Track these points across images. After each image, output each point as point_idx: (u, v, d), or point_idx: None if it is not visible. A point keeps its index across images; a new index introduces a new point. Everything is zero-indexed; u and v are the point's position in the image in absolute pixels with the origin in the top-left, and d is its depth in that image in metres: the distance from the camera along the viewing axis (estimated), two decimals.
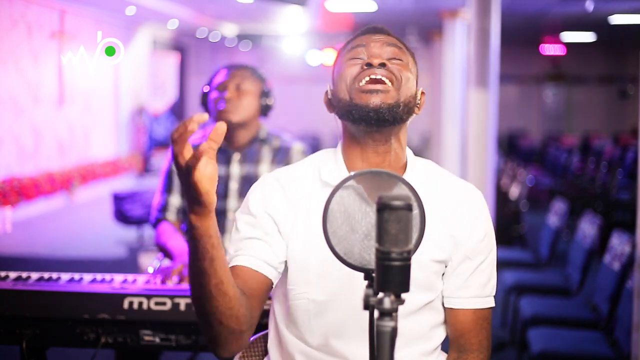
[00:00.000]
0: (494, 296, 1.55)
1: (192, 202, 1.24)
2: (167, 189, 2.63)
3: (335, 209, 1.16)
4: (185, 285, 2.07)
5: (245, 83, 2.59)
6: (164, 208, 2.62)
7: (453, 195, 1.52)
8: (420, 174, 1.52)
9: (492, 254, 1.53)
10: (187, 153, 1.20)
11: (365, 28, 1.57)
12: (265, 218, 1.48)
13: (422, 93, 1.54)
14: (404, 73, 1.49)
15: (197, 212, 1.25)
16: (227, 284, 1.33)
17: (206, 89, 2.67)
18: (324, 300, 1.46)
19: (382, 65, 1.46)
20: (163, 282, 2.13)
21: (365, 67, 1.47)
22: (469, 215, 1.51)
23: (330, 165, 1.52)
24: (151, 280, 2.14)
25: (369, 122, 1.44)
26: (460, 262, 1.50)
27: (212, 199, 1.24)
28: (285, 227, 1.48)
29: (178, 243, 2.44)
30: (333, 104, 1.52)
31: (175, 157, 1.21)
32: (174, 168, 2.61)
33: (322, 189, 1.49)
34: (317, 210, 1.44)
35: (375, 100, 1.43)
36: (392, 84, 1.46)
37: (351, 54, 1.51)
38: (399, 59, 1.50)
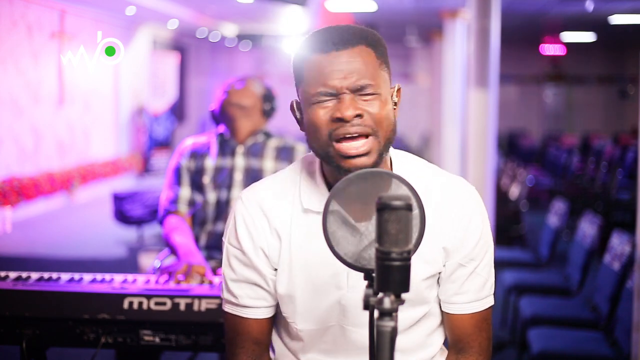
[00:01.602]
0: (494, 294, 1.51)
1: None
2: (177, 182, 2.70)
3: (335, 210, 1.16)
4: (187, 286, 2.07)
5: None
6: (175, 200, 2.68)
7: (443, 201, 1.42)
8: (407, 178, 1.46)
9: (487, 255, 1.47)
10: None
11: (325, 40, 1.34)
12: (255, 255, 1.43)
13: (399, 90, 1.41)
14: (381, 109, 1.33)
15: None
16: None
17: (212, 107, 2.80)
18: (315, 329, 1.44)
19: (358, 115, 1.31)
20: (167, 281, 2.13)
21: (337, 121, 1.32)
22: (461, 221, 1.42)
23: (312, 189, 1.42)
24: (153, 279, 2.14)
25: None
26: (454, 270, 1.44)
27: None
28: (273, 258, 1.43)
29: (184, 241, 2.47)
30: (305, 131, 1.39)
31: None
32: (181, 164, 2.69)
33: (303, 215, 1.42)
34: (299, 240, 1.41)
35: (358, 163, 1.33)
36: (371, 135, 1.33)
37: (317, 88, 1.33)
38: (371, 93, 1.33)
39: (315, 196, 1.41)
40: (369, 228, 1.15)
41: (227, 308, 1.47)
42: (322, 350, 1.46)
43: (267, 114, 2.76)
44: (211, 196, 2.67)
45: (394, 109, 1.40)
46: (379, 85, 1.34)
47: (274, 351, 1.55)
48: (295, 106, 1.42)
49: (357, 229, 1.16)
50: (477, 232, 1.44)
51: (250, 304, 1.45)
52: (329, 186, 1.42)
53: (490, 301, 1.49)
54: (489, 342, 1.49)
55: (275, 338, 1.53)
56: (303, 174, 1.45)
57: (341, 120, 1.31)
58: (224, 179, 2.67)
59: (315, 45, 1.35)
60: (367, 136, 1.33)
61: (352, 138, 1.32)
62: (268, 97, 2.75)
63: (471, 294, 1.45)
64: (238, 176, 2.67)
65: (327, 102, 1.33)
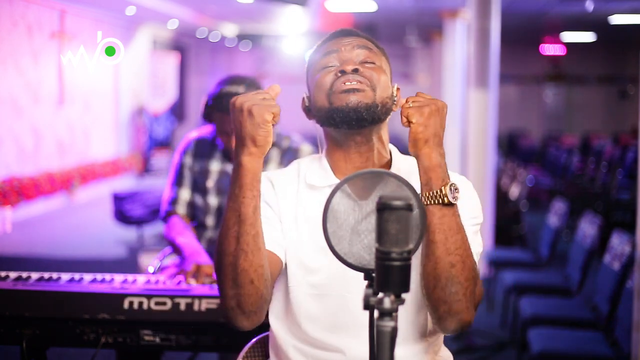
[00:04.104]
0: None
1: (251, 142, 1.37)
2: (178, 182, 2.65)
3: (335, 209, 1.16)
4: (187, 285, 2.07)
5: None
6: (174, 201, 2.64)
7: None
8: (405, 170, 1.53)
9: (474, 221, 1.50)
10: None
11: (334, 32, 1.59)
12: (266, 207, 1.51)
13: (398, 89, 1.56)
14: (378, 75, 1.51)
15: (253, 153, 1.37)
16: (262, 239, 1.40)
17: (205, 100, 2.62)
18: (315, 295, 1.47)
19: (355, 70, 1.49)
20: (180, 282, 2.13)
21: (339, 75, 1.49)
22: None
23: (315, 169, 1.55)
24: (162, 278, 2.15)
25: (350, 123, 1.47)
26: None
27: (270, 139, 1.38)
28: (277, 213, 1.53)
29: (189, 241, 2.45)
30: (312, 112, 1.55)
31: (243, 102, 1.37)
32: (184, 162, 2.62)
33: (307, 192, 1.53)
34: (303, 213, 1.51)
35: (353, 99, 1.46)
36: (368, 86, 1.49)
37: (324, 62, 1.54)
38: (371, 62, 1.53)
39: (318, 175, 1.54)
40: (369, 227, 1.16)
41: None
42: (324, 325, 1.46)
43: None
44: (213, 201, 2.62)
45: (394, 104, 1.53)
46: (378, 62, 1.54)
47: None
48: (304, 98, 1.58)
49: (357, 228, 1.17)
50: (466, 196, 1.48)
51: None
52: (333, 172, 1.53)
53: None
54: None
55: (275, 317, 1.53)
56: (310, 162, 1.59)
57: (343, 73, 1.49)
58: (227, 185, 2.59)
59: (328, 36, 1.59)
60: (364, 85, 1.49)
61: (350, 81, 1.48)
62: None
63: None
64: None
65: (332, 67, 1.52)
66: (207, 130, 2.71)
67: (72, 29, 9.48)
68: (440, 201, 1.37)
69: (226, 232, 1.38)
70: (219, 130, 2.56)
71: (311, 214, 1.50)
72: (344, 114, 1.46)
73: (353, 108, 1.46)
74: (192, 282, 2.15)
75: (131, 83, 12.04)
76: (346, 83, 1.48)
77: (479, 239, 1.51)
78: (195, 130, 2.80)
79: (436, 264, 1.36)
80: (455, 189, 1.38)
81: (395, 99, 1.54)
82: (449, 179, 1.39)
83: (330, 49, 1.55)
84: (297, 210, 1.52)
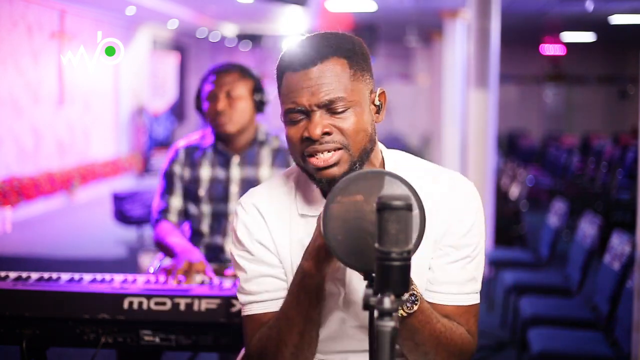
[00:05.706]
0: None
1: (322, 251, 1.29)
2: (168, 190, 2.60)
3: (335, 209, 1.16)
4: (187, 286, 2.07)
5: (235, 88, 2.52)
6: (165, 210, 2.58)
7: (434, 194, 1.41)
8: (399, 167, 1.45)
9: (476, 250, 1.43)
10: None
11: (292, 62, 1.36)
12: (261, 250, 1.45)
13: (382, 93, 1.41)
14: (351, 121, 1.34)
15: (322, 260, 1.31)
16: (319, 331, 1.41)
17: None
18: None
19: (326, 133, 1.33)
20: (166, 281, 2.12)
21: (307, 140, 1.34)
22: (452, 213, 1.41)
23: (307, 194, 1.45)
24: (152, 279, 2.14)
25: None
26: (438, 257, 1.41)
27: None
28: (273, 252, 1.46)
29: (179, 241, 2.41)
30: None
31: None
32: (173, 170, 2.58)
33: (301, 220, 1.45)
34: (298, 242, 1.43)
35: (328, 174, 1.35)
36: (342, 148, 1.34)
37: (287, 107, 1.36)
38: (342, 106, 1.33)
39: (311, 201, 1.44)
40: (369, 227, 1.15)
41: (248, 309, 1.46)
42: (324, 336, 1.44)
43: (258, 108, 2.58)
44: (206, 208, 2.57)
45: (377, 113, 1.41)
46: (352, 97, 1.34)
47: None
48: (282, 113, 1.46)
49: (357, 228, 1.16)
50: (468, 223, 1.41)
51: (270, 297, 1.44)
52: (323, 192, 1.44)
53: (475, 299, 1.44)
54: (475, 330, 1.44)
55: None
56: (298, 180, 1.48)
57: (310, 140, 1.33)
58: (219, 191, 2.56)
59: (287, 63, 1.37)
60: (336, 150, 1.35)
61: (322, 152, 1.35)
62: (255, 91, 2.56)
63: (454, 286, 1.40)
64: (234, 189, 2.55)
65: (298, 121, 1.36)
66: (195, 137, 2.68)
67: (72, 29, 9.48)
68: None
69: (290, 327, 1.37)
70: (209, 97, 2.54)
71: (306, 241, 1.39)
72: (320, 184, 1.38)
73: (328, 182, 1.35)
74: (181, 281, 2.12)
75: (131, 83, 12.04)
76: (316, 156, 1.34)
77: (479, 271, 1.43)
78: (184, 138, 2.74)
79: (409, 354, 1.37)
80: (414, 300, 1.29)
81: (379, 103, 1.40)
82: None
83: (292, 92, 1.35)
84: (291, 238, 1.44)
